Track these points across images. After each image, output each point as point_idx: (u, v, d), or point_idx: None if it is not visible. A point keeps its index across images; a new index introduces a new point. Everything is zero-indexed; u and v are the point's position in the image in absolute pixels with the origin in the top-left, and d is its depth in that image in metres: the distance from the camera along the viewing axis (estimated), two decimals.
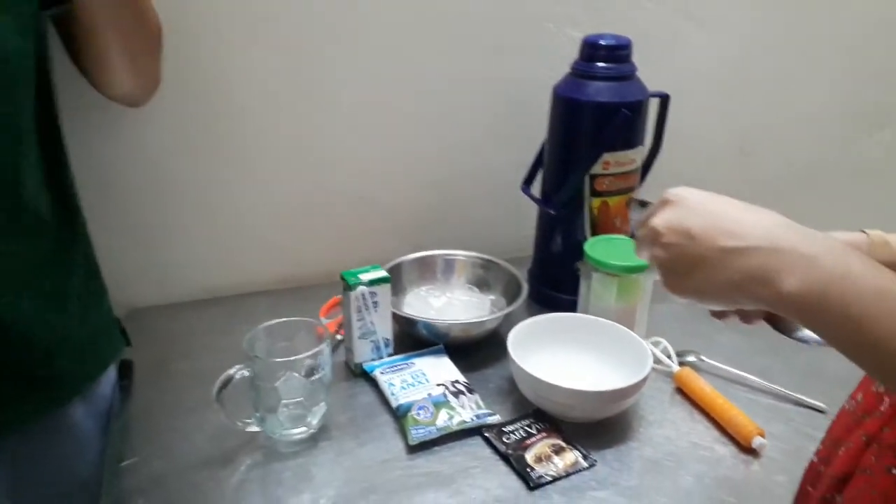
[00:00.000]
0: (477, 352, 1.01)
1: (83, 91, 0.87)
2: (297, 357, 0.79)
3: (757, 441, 0.83)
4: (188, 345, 1.04)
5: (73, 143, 0.85)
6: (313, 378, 0.81)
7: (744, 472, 0.82)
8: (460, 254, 1.14)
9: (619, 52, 1.02)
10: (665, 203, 0.55)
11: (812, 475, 0.63)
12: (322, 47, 1.08)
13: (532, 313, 0.99)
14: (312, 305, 1.12)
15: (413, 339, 1.01)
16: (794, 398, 0.93)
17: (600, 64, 1.02)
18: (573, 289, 1.09)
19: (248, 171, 1.12)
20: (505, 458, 0.82)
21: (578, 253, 1.08)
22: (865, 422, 0.58)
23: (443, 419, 0.85)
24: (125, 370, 0.97)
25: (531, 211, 1.23)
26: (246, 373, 0.80)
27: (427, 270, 1.13)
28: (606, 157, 1.02)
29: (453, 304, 1.08)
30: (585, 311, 1.02)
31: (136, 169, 1.07)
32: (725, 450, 0.85)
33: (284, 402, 0.81)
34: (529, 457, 0.81)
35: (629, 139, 1.03)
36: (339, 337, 1.05)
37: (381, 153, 1.18)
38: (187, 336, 1.06)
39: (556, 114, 1.07)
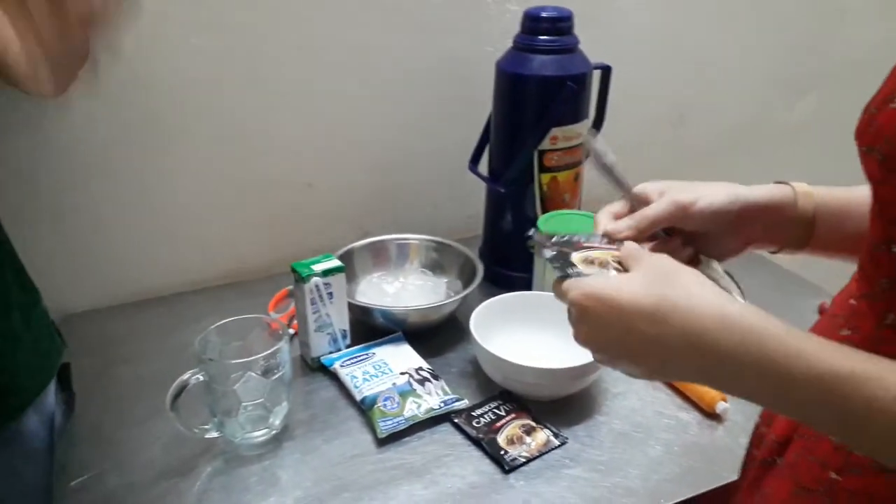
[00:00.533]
0: (435, 336, 1.00)
1: None
2: (254, 357, 0.75)
3: (720, 406, 0.84)
4: (131, 349, 0.98)
5: None
6: (273, 377, 0.77)
7: (710, 438, 0.83)
8: (412, 237, 1.11)
9: (561, 24, 1.01)
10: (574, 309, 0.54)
11: (757, 437, 0.64)
12: (259, 29, 1.03)
13: (485, 293, 0.98)
14: (260, 300, 1.08)
15: (370, 328, 0.98)
16: None
17: (543, 37, 1.00)
18: (525, 266, 1.08)
19: (185, 162, 1.06)
20: (477, 442, 0.81)
21: (528, 230, 1.08)
22: None
23: (410, 408, 0.83)
24: (63, 376, 0.91)
25: (479, 190, 1.21)
26: (200, 377, 0.75)
27: (379, 256, 1.10)
28: (554, 131, 1.01)
29: (408, 289, 1.05)
30: (541, 288, 1.02)
31: (61, 164, 0.99)
32: (690, 416, 0.86)
33: (244, 404, 0.77)
34: (501, 439, 0.80)
35: (575, 113, 1.03)
36: (291, 331, 1.01)
37: (325, 138, 1.14)
38: (128, 340, 1.00)
39: (500, 89, 1.05)
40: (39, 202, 1.00)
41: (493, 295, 0.97)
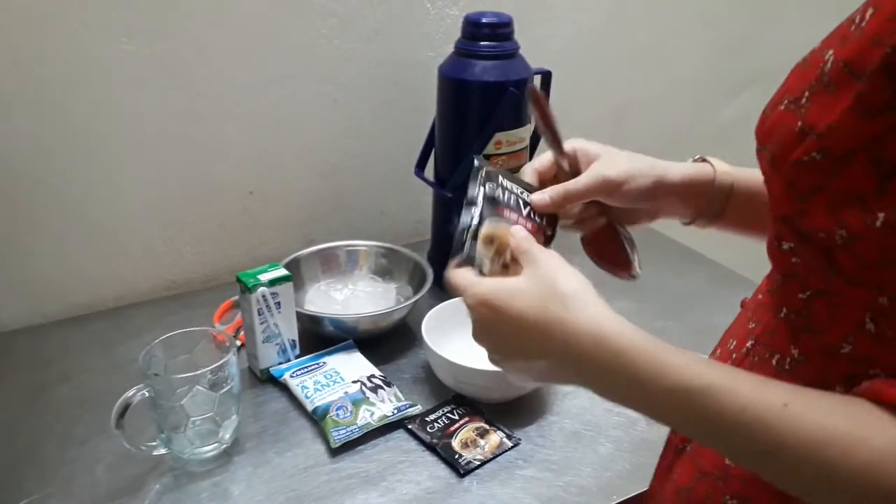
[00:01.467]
0: (386, 343, 0.99)
1: None
2: (202, 370, 0.73)
3: None
4: (69, 366, 0.94)
5: None
6: (221, 391, 0.76)
7: (658, 433, 0.84)
8: (360, 244, 1.10)
9: (501, 29, 1.02)
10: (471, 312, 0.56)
11: None
12: (200, 34, 1.01)
13: (435, 298, 0.99)
14: (203, 312, 1.05)
15: (320, 336, 0.97)
16: None
17: (484, 42, 1.01)
18: None
19: (118, 168, 1.03)
20: (431, 447, 0.81)
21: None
22: None
23: (363, 416, 0.83)
24: None
25: (424, 195, 1.22)
26: (146, 393, 0.73)
27: (327, 263, 1.08)
28: (498, 136, 1.02)
29: (357, 296, 1.05)
30: None
31: None
32: (638, 413, 0.88)
33: (193, 419, 0.75)
34: (455, 443, 0.81)
35: (518, 117, 1.04)
36: (238, 343, 0.99)
37: (267, 143, 1.12)
38: (66, 357, 0.96)
39: (443, 95, 1.06)
40: None
41: (443, 300, 0.97)
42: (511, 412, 0.87)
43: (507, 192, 0.61)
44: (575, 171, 0.63)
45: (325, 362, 0.92)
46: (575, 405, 0.89)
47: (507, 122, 1.02)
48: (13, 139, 0.95)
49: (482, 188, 0.60)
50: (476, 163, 0.62)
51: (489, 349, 0.56)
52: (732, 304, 1.11)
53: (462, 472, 0.77)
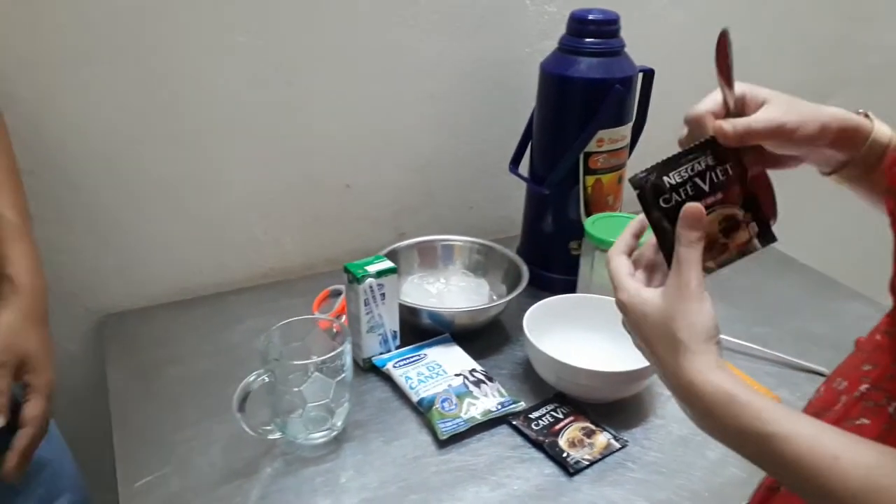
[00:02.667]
0: (480, 338, 1.00)
1: None
2: (322, 357, 0.75)
3: None
4: (175, 350, 0.97)
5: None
6: (338, 378, 0.77)
7: None
8: (456, 239, 1.11)
9: (607, 26, 1.01)
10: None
11: None
12: (298, 31, 1.02)
13: (526, 295, 0.98)
14: (301, 301, 1.07)
15: (416, 328, 0.98)
16: (796, 364, 0.96)
17: (589, 39, 1.00)
18: (566, 268, 1.09)
19: (221, 160, 1.05)
20: (537, 445, 0.81)
21: (571, 232, 1.08)
22: (823, 417, 0.60)
23: (468, 410, 0.83)
24: None
25: (513, 191, 1.22)
26: (266, 378, 0.75)
27: (422, 257, 1.09)
28: (600, 134, 1.01)
29: (451, 291, 1.05)
30: (587, 291, 1.02)
31: (95, 161, 0.98)
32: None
33: (309, 404, 0.77)
34: (562, 442, 0.80)
35: (621, 115, 1.03)
36: (335, 331, 1.00)
37: (362, 138, 1.13)
38: (171, 341, 0.99)
39: (545, 91, 1.05)
40: (72, 202, 0.99)
41: (534, 297, 0.97)
42: (615, 413, 0.86)
43: (682, 186, 0.59)
44: (738, 115, 0.60)
45: (425, 354, 0.93)
46: (679, 409, 0.87)
47: (610, 119, 1.01)
48: (125, 128, 0.98)
49: (656, 209, 0.58)
50: (636, 183, 0.58)
51: (634, 341, 0.58)
52: (831, 312, 1.09)
53: (571, 471, 0.77)
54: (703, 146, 0.60)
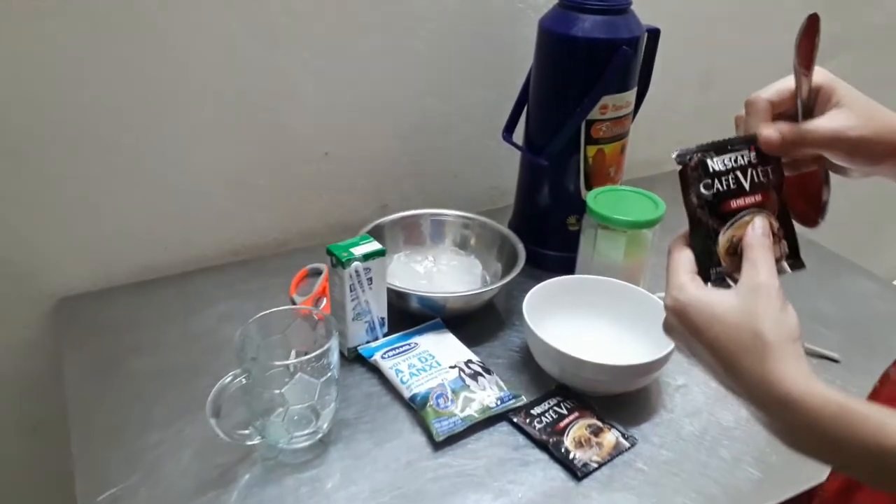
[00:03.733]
0: (474, 322, 0.92)
1: None
2: (307, 357, 0.67)
3: None
4: (139, 337, 0.88)
5: None
6: (323, 378, 0.69)
7: None
8: (446, 213, 1.02)
9: None
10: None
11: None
12: None
13: (525, 276, 0.91)
14: (276, 281, 0.99)
15: (404, 313, 0.90)
16: (807, 349, 0.91)
17: None
18: (562, 245, 1.02)
19: (187, 126, 0.95)
20: (541, 445, 0.74)
21: (570, 206, 1.01)
22: None
23: (464, 407, 0.76)
24: None
25: (503, 159, 1.14)
26: (243, 380, 0.67)
27: (410, 233, 1.01)
28: (605, 100, 0.93)
29: (441, 270, 0.98)
30: (587, 270, 0.95)
31: (43, 128, 0.87)
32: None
33: (292, 407, 0.69)
34: (568, 442, 0.74)
35: (626, 80, 0.95)
36: (316, 318, 0.92)
37: (345, 101, 1.03)
38: (135, 326, 0.90)
39: (543, 52, 0.96)
40: (19, 174, 0.88)
41: (529, 275, 0.91)
42: (621, 406, 0.80)
43: (724, 175, 0.53)
44: (809, 108, 0.54)
45: (416, 343, 0.85)
46: (689, 402, 0.82)
47: (615, 84, 0.93)
48: (77, 90, 0.87)
49: (695, 194, 0.52)
50: (682, 158, 0.52)
51: (678, 347, 0.53)
52: (837, 290, 1.04)
53: (580, 475, 0.71)
54: (748, 139, 0.54)
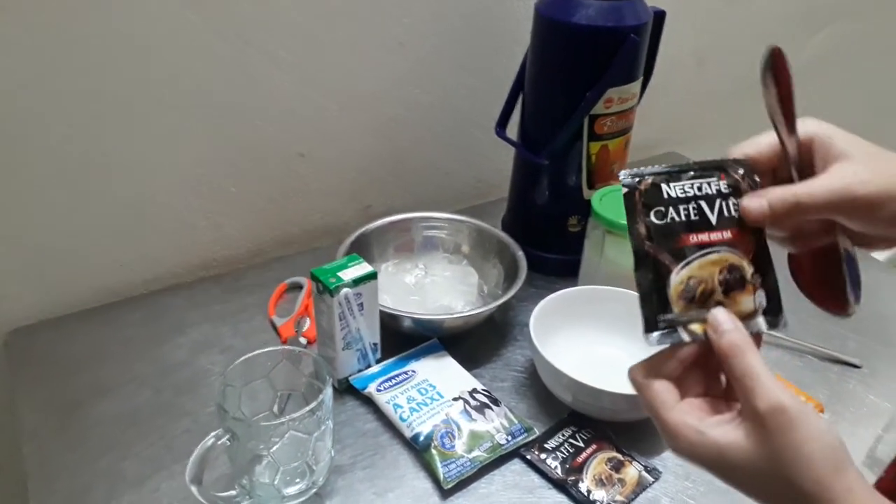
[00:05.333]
0: (473, 339, 0.85)
1: None
2: (298, 414, 0.59)
3: None
4: (101, 375, 0.79)
5: None
6: (317, 432, 0.61)
7: None
8: (437, 217, 0.94)
9: None
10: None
11: None
12: None
13: (527, 284, 0.84)
14: (253, 299, 0.90)
15: (398, 334, 0.82)
16: (825, 353, 0.86)
17: None
18: (562, 247, 0.95)
19: (146, 131, 0.84)
20: (559, 485, 0.68)
21: (570, 206, 0.93)
22: None
23: (472, 446, 0.69)
24: None
25: (491, 151, 1.06)
26: (227, 441, 0.59)
27: (396, 240, 0.92)
28: (610, 93, 0.85)
29: (434, 281, 0.89)
30: (593, 278, 0.87)
31: None
32: None
33: (283, 468, 0.61)
34: (588, 480, 0.68)
35: (632, 70, 0.87)
36: (303, 340, 0.84)
37: (321, 97, 0.93)
38: (96, 360, 0.81)
39: (541, 40, 0.87)
40: None
41: (528, 282, 0.84)
42: (639, 433, 0.74)
43: (683, 203, 0.44)
44: (803, 166, 0.46)
45: (413, 371, 0.78)
46: None
47: (621, 75, 0.85)
48: (22, 92, 0.75)
49: (643, 222, 0.43)
50: (627, 181, 0.44)
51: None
52: None
53: None
54: (718, 164, 0.45)
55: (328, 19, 0.88)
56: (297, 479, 0.64)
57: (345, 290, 0.71)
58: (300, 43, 0.88)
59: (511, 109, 0.95)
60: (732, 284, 0.43)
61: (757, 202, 0.44)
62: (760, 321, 0.43)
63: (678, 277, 0.43)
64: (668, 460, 0.72)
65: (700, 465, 0.41)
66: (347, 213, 1.02)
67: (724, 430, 0.39)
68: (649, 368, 0.42)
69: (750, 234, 0.44)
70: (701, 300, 0.43)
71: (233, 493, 0.62)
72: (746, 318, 0.43)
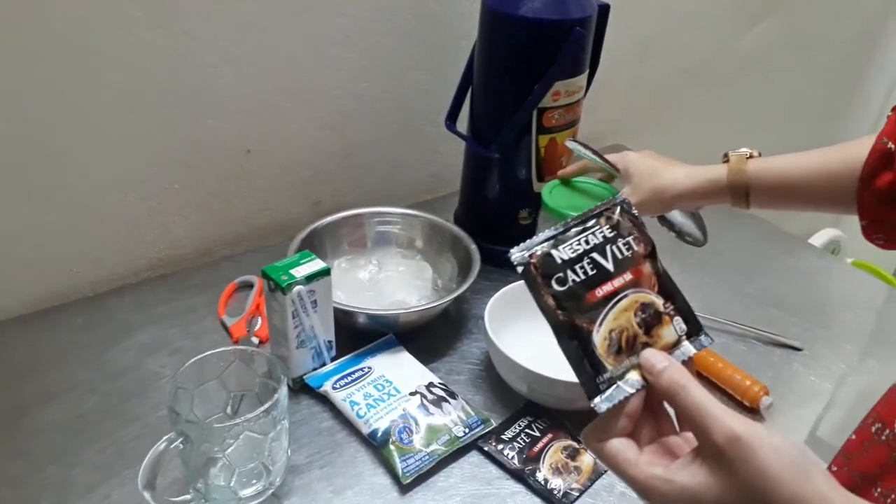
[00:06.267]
0: (429, 334, 0.85)
1: None
2: (252, 415, 0.58)
3: (764, 401, 0.77)
4: (47, 382, 0.76)
5: None
6: (272, 432, 0.61)
7: None
8: (390, 212, 0.93)
9: None
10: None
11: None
12: None
13: (481, 277, 0.84)
14: (200, 299, 0.88)
15: (353, 330, 0.82)
16: (768, 337, 0.88)
17: None
18: (514, 240, 0.94)
19: (84, 129, 0.82)
20: (517, 475, 0.69)
21: (521, 199, 0.94)
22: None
23: (430, 440, 0.69)
24: None
25: (442, 145, 1.06)
26: (180, 445, 0.58)
27: (349, 236, 0.92)
28: (557, 86, 0.86)
29: (388, 277, 0.89)
30: None
31: None
32: None
33: (238, 470, 0.60)
34: (545, 469, 0.69)
35: (579, 62, 0.88)
36: (255, 340, 0.83)
37: (267, 92, 0.92)
38: (41, 367, 0.78)
39: (488, 33, 0.88)
40: None
41: (481, 274, 0.84)
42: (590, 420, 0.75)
43: (577, 262, 0.43)
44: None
45: (369, 367, 0.77)
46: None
47: (568, 68, 0.86)
48: None
49: (549, 294, 0.42)
50: (518, 259, 0.43)
51: None
52: (787, 268, 1.02)
53: None
54: (596, 212, 0.44)
55: (272, 10, 0.87)
56: (254, 481, 0.63)
57: (297, 287, 0.71)
58: (244, 35, 0.86)
59: (460, 103, 0.95)
60: (650, 321, 0.43)
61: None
62: (687, 346, 0.43)
63: (600, 335, 0.42)
64: None
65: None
66: (297, 209, 1.01)
67: (691, 473, 0.38)
68: (602, 430, 0.42)
69: (648, 266, 0.44)
70: (628, 348, 0.42)
71: (188, 497, 0.61)
72: (673, 347, 0.43)
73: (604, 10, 0.92)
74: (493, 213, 0.96)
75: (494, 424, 0.73)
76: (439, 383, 0.76)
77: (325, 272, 0.73)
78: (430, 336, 0.85)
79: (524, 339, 0.80)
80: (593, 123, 1.15)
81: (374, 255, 0.92)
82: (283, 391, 0.61)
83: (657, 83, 1.37)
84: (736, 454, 0.36)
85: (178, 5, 0.80)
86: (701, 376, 0.82)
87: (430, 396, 0.74)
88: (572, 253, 0.42)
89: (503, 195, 0.94)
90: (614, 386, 0.41)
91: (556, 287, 0.42)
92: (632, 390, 0.41)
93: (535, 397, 0.75)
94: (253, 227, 0.99)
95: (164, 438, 0.58)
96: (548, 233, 0.43)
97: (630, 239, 0.44)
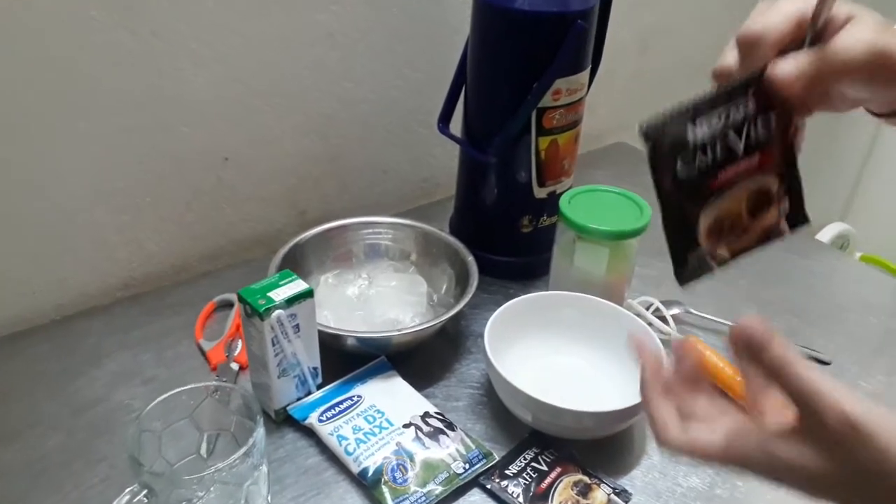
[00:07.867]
0: (423, 355, 0.79)
1: None
2: (224, 464, 0.51)
3: None
4: (9, 420, 0.70)
5: None
6: (249, 481, 0.54)
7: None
8: (379, 222, 0.87)
9: None
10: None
11: None
12: None
13: (479, 290, 0.78)
14: (176, 321, 0.82)
15: (341, 354, 0.75)
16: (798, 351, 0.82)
17: None
18: (514, 250, 0.90)
19: (52, 140, 0.75)
20: None
21: (522, 206, 0.88)
22: None
23: (427, 479, 0.63)
24: None
25: (434, 147, 1.00)
26: (143, 498, 0.51)
27: (335, 249, 0.85)
28: (558, 84, 0.79)
29: (379, 293, 0.82)
30: (563, 285, 0.81)
31: None
32: None
33: None
34: None
35: (581, 58, 0.81)
36: (235, 366, 0.76)
37: (245, 95, 0.85)
38: (2, 401, 0.72)
39: (483, 28, 0.81)
40: None
41: (478, 286, 0.78)
42: (605, 452, 0.69)
43: (709, 142, 0.40)
44: (817, 37, 0.41)
45: (359, 396, 0.71)
46: None
47: (569, 65, 0.79)
48: None
49: (673, 176, 0.40)
50: (649, 132, 0.40)
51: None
52: (781, 269, 0.94)
53: None
54: (745, 83, 0.41)
55: (247, 11, 0.80)
56: None
57: (277, 311, 0.64)
58: (216, 34, 0.80)
59: (454, 103, 0.88)
60: (758, 206, 0.42)
61: (786, 67, 0.40)
62: (783, 225, 0.43)
63: (707, 219, 0.41)
64: (636, 480, 0.67)
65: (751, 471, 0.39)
66: (281, 220, 0.94)
67: (799, 451, 0.37)
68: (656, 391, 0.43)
69: (778, 146, 0.42)
70: (726, 229, 0.42)
71: None
72: (770, 228, 0.43)
73: (606, 1, 0.85)
74: (491, 220, 0.90)
75: (497, 458, 0.67)
76: (435, 412, 0.69)
77: (308, 294, 0.66)
78: (425, 357, 0.78)
79: (529, 357, 0.74)
80: (594, 121, 1.08)
81: (364, 268, 0.86)
82: (260, 432, 0.54)
83: (659, 77, 1.30)
84: (852, 443, 0.35)
85: (144, 5, 0.73)
86: (723, 394, 0.76)
87: (425, 429, 0.67)
88: (708, 131, 0.40)
89: (502, 202, 0.88)
90: (702, 263, 0.43)
91: (680, 171, 0.40)
92: (714, 266, 0.42)
93: (541, 427, 0.69)
94: (233, 240, 0.92)
95: (127, 491, 0.51)
96: (684, 105, 0.41)
97: (771, 115, 0.41)
